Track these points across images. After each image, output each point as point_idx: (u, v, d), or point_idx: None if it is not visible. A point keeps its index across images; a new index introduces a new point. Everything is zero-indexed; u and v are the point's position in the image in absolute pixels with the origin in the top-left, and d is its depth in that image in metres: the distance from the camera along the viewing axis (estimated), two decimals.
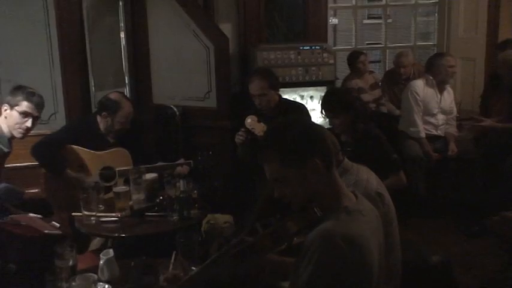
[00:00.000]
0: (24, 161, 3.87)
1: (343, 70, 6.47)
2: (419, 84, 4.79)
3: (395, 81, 5.65)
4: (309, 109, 4.19)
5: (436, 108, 4.81)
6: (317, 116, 4.98)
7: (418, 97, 4.74)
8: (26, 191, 3.56)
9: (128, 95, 4.53)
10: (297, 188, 1.71)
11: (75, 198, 3.15)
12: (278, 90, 3.87)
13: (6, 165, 3.53)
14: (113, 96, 3.67)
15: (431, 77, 4.75)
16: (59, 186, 3.48)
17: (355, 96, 4.87)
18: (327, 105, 3.48)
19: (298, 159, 1.69)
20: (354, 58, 5.64)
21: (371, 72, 5.92)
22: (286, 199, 1.75)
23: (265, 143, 1.76)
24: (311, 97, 5.12)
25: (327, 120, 3.57)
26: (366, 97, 5.54)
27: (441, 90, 4.80)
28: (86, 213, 3.01)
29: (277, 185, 1.74)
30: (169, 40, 4.71)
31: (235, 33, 5.16)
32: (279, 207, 1.86)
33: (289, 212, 1.78)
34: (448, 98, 4.87)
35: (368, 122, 3.61)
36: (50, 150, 3.46)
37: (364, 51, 5.89)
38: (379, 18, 9.10)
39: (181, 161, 3.61)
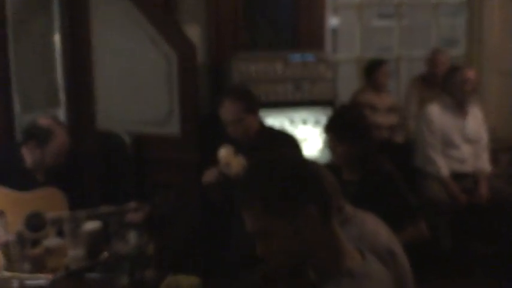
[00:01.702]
0: None
1: (345, 86, 6.56)
2: (434, 109, 4.86)
3: (433, 85, 5.64)
4: (300, 137, 4.23)
5: (458, 137, 4.86)
6: (312, 147, 5.04)
7: (433, 126, 4.80)
8: None
9: (63, 119, 4.55)
10: (286, 243, 1.71)
11: None
12: (257, 115, 3.90)
13: None
14: (43, 121, 3.68)
15: (448, 99, 4.83)
16: None
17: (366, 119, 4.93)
18: (333, 125, 3.51)
19: (286, 207, 1.70)
20: (373, 67, 5.74)
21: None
22: (270, 259, 1.75)
23: (244, 185, 1.77)
24: (304, 121, 5.18)
25: (325, 152, 3.61)
26: (380, 120, 5.62)
27: (463, 113, 4.87)
28: (6, 274, 2.98)
29: (261, 241, 1.74)
30: (118, 48, 4.74)
31: (204, 39, 5.21)
32: (261, 268, 1.88)
33: (275, 277, 1.80)
34: (474, 122, 4.92)
35: (379, 154, 3.65)
36: None
37: (386, 61, 6.00)
38: (391, 17, 9.24)
39: (133, 205, 3.62)
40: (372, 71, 5.75)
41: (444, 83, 4.93)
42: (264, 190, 1.71)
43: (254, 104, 3.88)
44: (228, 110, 3.79)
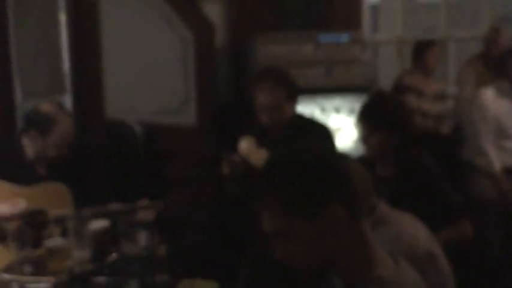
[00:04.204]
0: None
1: (385, 70, 6.54)
2: (488, 94, 4.83)
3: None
4: (333, 127, 4.24)
5: None
6: (346, 138, 5.04)
7: (487, 113, 4.78)
8: None
9: (68, 107, 4.61)
10: (308, 246, 1.71)
11: None
12: (296, 103, 3.93)
13: None
14: (45, 108, 3.72)
15: (505, 83, 4.80)
16: None
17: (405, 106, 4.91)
18: (367, 113, 3.49)
19: (310, 206, 1.68)
20: (422, 48, 5.74)
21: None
22: (290, 262, 1.75)
23: (262, 181, 1.77)
24: (336, 110, 5.17)
25: (360, 144, 3.61)
26: (426, 107, 5.61)
27: None
28: (5, 276, 3.04)
29: (280, 242, 1.74)
30: (130, 28, 4.80)
31: (225, 18, 5.23)
32: (280, 273, 1.89)
33: (296, 282, 1.82)
34: None
35: (418, 146, 3.63)
36: None
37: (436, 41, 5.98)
38: None
39: (144, 202, 3.66)
40: (421, 53, 5.74)
41: (500, 65, 4.89)
42: (284, 187, 1.70)
43: (295, 90, 3.90)
44: (268, 95, 3.80)
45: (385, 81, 6.05)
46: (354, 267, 1.73)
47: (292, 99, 3.86)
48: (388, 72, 6.46)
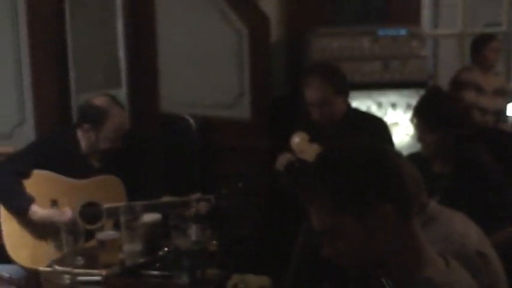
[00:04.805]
0: None
1: (447, 66, 6.45)
2: None
3: None
4: (389, 123, 4.18)
5: None
6: (401, 133, 4.98)
7: None
8: None
9: (123, 100, 4.64)
10: (356, 246, 1.69)
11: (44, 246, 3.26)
12: (347, 97, 3.90)
13: None
14: (98, 101, 3.76)
15: None
16: (21, 230, 3.59)
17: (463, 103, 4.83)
18: (423, 111, 3.44)
19: (357, 204, 1.66)
20: (481, 43, 5.66)
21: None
22: (339, 260, 1.73)
23: (312, 177, 1.76)
24: (393, 105, 5.12)
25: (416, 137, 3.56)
26: (485, 103, 5.53)
27: None
28: (57, 268, 3.08)
29: (328, 240, 1.72)
30: (185, 22, 4.82)
31: (281, 11, 5.21)
32: (328, 270, 1.87)
33: (343, 281, 1.79)
34: None
35: (476, 143, 3.56)
36: (9, 179, 3.58)
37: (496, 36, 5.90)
38: None
39: (197, 196, 3.66)
40: (480, 47, 5.66)
41: None
42: (333, 184, 1.68)
43: (344, 85, 3.87)
44: (315, 91, 3.78)
45: (446, 76, 5.96)
46: (404, 267, 1.70)
47: (342, 94, 3.82)
48: (448, 67, 6.36)
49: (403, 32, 5.09)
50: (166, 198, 3.68)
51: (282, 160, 3.70)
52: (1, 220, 3.63)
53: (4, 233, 3.64)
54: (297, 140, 3.60)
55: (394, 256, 1.69)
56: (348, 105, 3.92)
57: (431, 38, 6.99)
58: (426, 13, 5.97)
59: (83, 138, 3.74)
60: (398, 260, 1.70)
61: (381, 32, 5.07)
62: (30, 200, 3.57)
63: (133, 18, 4.96)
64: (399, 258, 1.70)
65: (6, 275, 3.24)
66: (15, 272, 3.47)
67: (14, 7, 4.34)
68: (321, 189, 1.70)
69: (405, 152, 3.39)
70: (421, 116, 3.40)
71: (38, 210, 3.57)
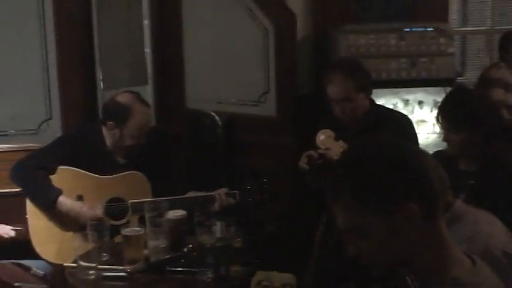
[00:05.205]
0: (2, 187, 4.12)
1: (473, 63, 6.40)
2: None
3: None
4: (415, 120, 4.16)
5: None
6: (428, 131, 4.94)
7: None
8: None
9: (149, 97, 4.67)
10: (381, 245, 1.67)
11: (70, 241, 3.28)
12: (370, 94, 3.88)
13: None
14: (122, 98, 3.79)
15: None
16: (47, 226, 3.62)
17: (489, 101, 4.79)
18: (447, 110, 3.39)
19: (384, 203, 1.65)
20: (509, 40, 5.61)
21: None
22: (364, 259, 1.71)
23: (337, 174, 1.74)
24: (419, 103, 5.08)
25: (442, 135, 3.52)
26: None
27: None
28: (82, 264, 3.10)
29: (352, 238, 1.71)
30: (211, 19, 4.82)
31: (307, 9, 5.19)
32: (353, 270, 1.86)
33: (368, 280, 1.78)
34: None
35: (505, 142, 3.52)
36: (36, 174, 3.62)
37: None
38: None
39: (223, 192, 3.66)
40: (508, 44, 5.60)
41: None
42: (357, 182, 1.66)
43: (366, 81, 3.85)
44: (336, 88, 3.77)
45: (474, 73, 5.91)
46: (429, 267, 1.68)
47: (364, 90, 3.81)
48: (476, 64, 6.31)
49: (430, 29, 5.05)
50: (191, 194, 3.69)
51: (307, 158, 3.69)
52: (27, 216, 3.67)
53: (30, 229, 3.68)
54: (322, 137, 3.59)
55: (420, 256, 1.68)
56: (372, 102, 3.90)
57: (459, 35, 6.93)
58: (454, 10, 5.91)
59: (108, 135, 3.76)
60: (424, 260, 1.68)
61: (407, 29, 5.03)
62: (58, 192, 3.60)
63: (160, 16, 4.96)
64: (424, 257, 1.68)
65: (40, 272, 3.27)
66: (41, 267, 3.50)
67: (41, 5, 4.38)
68: (345, 187, 1.68)
69: (431, 150, 3.35)
70: (445, 115, 3.34)
71: (65, 202, 3.60)
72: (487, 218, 2.47)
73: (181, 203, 3.51)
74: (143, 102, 3.87)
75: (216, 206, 3.60)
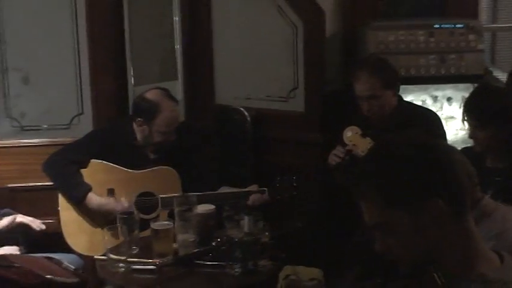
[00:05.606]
0: (35, 180, 4.14)
1: (503, 59, 6.34)
2: None
3: None
4: (444, 117, 4.14)
5: None
6: (457, 127, 4.92)
7: None
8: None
9: (179, 92, 4.72)
10: (408, 241, 1.67)
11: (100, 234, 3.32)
12: (398, 91, 3.87)
13: (8, 186, 3.81)
14: (150, 95, 3.82)
15: None
16: (78, 218, 3.67)
17: None
18: (473, 108, 3.37)
19: (411, 199, 1.65)
20: None
21: None
22: (390, 255, 1.72)
23: (365, 170, 1.74)
24: (448, 99, 5.05)
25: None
26: None
27: None
28: (112, 256, 3.15)
29: (380, 234, 1.71)
30: (241, 16, 4.83)
31: (337, 4, 5.18)
32: (380, 265, 1.86)
33: (395, 276, 1.79)
34: None
35: None
36: (67, 168, 3.68)
37: None
38: None
39: (253, 188, 3.68)
40: None
41: None
42: (385, 177, 1.67)
43: (393, 78, 3.85)
44: (363, 85, 3.78)
45: (503, 70, 5.85)
46: (457, 264, 1.67)
47: (391, 87, 3.80)
48: (506, 60, 6.24)
49: (459, 25, 5.01)
50: (224, 189, 3.71)
51: (335, 154, 3.70)
52: (59, 208, 3.73)
53: (62, 221, 3.73)
54: (350, 133, 3.60)
55: (447, 252, 1.67)
56: (400, 99, 3.89)
57: (489, 31, 6.88)
58: (484, 6, 5.85)
59: (138, 131, 3.81)
60: (451, 256, 1.67)
61: (437, 26, 5.00)
62: (87, 189, 3.65)
63: (190, 12, 4.98)
64: (452, 254, 1.67)
65: (71, 266, 3.31)
66: (73, 261, 3.55)
67: (74, 1, 4.41)
68: (372, 184, 1.69)
69: (460, 147, 3.34)
70: (471, 112, 3.32)
71: (94, 198, 3.65)
72: None
73: (210, 198, 3.54)
74: (171, 98, 3.89)
75: (245, 201, 3.63)
